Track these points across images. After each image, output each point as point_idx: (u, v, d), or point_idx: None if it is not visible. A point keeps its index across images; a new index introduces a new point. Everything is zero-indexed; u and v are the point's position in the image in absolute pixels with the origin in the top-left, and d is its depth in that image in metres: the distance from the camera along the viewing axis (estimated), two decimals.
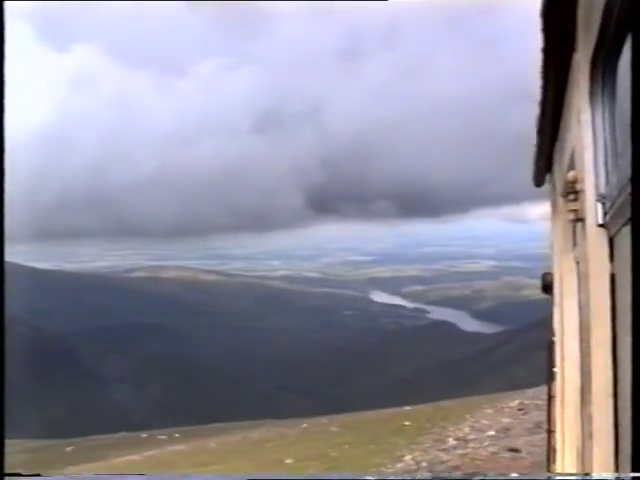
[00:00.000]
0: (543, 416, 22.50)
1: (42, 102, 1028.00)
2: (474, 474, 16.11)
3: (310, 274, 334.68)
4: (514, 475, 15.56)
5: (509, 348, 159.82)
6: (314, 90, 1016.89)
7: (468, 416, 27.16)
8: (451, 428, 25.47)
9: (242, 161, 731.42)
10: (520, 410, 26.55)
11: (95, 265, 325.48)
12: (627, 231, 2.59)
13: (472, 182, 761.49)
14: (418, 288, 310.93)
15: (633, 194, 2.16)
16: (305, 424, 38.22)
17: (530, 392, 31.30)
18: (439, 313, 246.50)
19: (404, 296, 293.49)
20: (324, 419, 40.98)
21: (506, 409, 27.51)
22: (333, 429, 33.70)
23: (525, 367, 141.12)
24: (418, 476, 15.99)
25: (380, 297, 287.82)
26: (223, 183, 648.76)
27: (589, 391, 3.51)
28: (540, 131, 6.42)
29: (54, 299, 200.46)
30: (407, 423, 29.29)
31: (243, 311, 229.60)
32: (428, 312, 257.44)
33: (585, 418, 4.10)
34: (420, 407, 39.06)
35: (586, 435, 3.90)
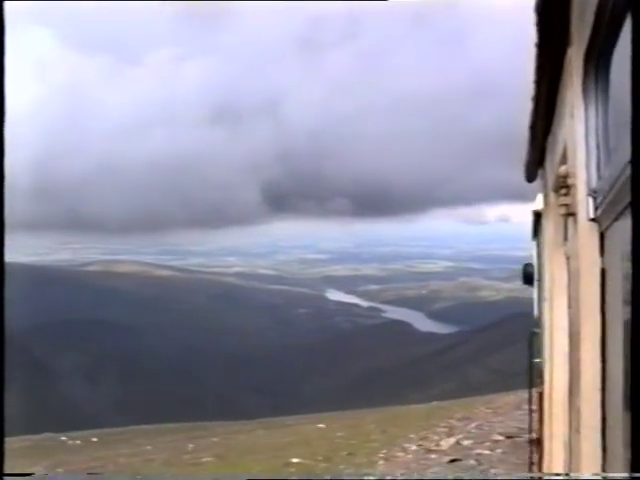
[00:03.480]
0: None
1: None
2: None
3: (265, 271, 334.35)
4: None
5: (464, 349, 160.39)
6: (272, 83, 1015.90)
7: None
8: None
9: (197, 154, 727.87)
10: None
11: (49, 258, 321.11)
12: (618, 226, 2.65)
13: (430, 181, 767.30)
14: (374, 287, 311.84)
15: (633, 193, 2.09)
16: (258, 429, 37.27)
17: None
18: (394, 313, 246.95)
19: (360, 295, 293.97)
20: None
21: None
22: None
23: (480, 368, 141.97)
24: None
25: (335, 296, 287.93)
26: (177, 176, 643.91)
27: (577, 385, 3.54)
28: (533, 126, 6.35)
29: (8, 293, 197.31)
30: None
31: (198, 307, 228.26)
32: (383, 311, 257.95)
33: (573, 412, 4.16)
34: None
35: (574, 429, 3.96)
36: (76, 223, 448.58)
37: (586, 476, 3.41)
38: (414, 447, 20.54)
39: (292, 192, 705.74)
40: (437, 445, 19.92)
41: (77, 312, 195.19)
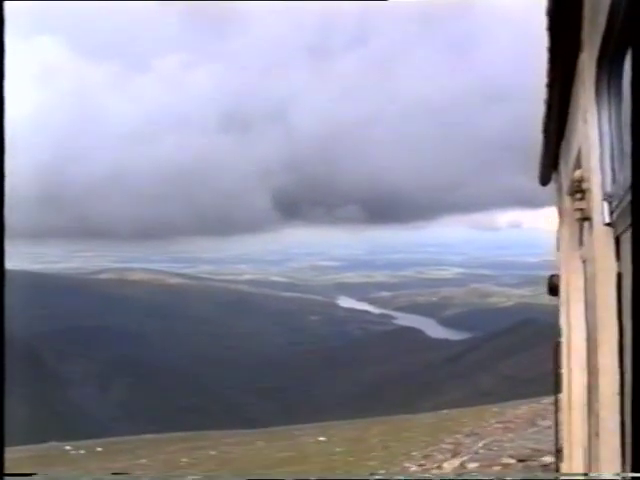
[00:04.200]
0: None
1: None
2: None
3: (277, 278, 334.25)
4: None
5: (475, 355, 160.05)
6: (281, 89, 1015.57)
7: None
8: None
9: (207, 161, 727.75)
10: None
11: (60, 266, 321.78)
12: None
13: (441, 187, 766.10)
14: (385, 294, 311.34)
15: (633, 198, 2.21)
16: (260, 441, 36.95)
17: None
18: (406, 319, 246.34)
19: (371, 302, 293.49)
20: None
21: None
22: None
23: (491, 374, 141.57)
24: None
25: (347, 302, 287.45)
26: (187, 183, 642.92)
27: (596, 390, 3.55)
28: (546, 130, 6.44)
29: (18, 300, 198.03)
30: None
31: (210, 315, 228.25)
32: (395, 318, 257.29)
33: (592, 417, 4.16)
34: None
35: (593, 434, 3.95)
36: (86, 231, 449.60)
37: (605, 476, 3.41)
38: (414, 467, 19.76)
39: (302, 199, 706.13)
40: (439, 467, 18.86)
41: (88, 320, 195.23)
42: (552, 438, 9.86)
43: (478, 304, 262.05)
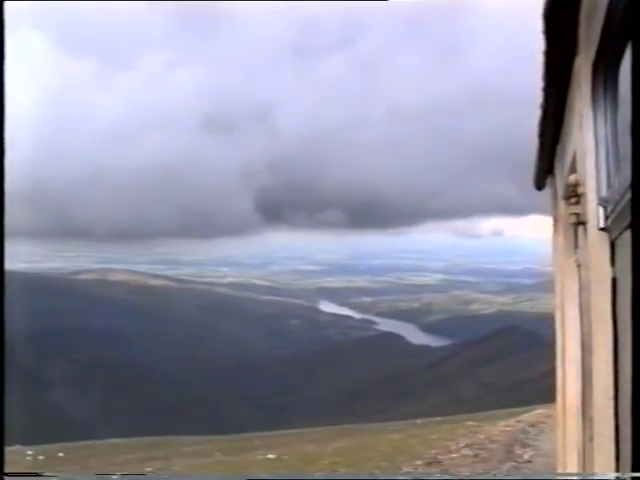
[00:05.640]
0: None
1: None
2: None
3: (259, 282, 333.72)
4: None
5: (456, 362, 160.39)
6: (265, 90, 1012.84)
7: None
8: None
9: (189, 161, 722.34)
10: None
11: (41, 266, 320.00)
12: (629, 235, 2.64)
13: (423, 193, 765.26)
14: (367, 299, 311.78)
15: (633, 200, 2.22)
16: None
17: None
18: (387, 325, 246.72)
19: (352, 307, 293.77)
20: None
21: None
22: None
23: (471, 382, 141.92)
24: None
25: (328, 307, 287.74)
26: (170, 184, 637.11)
27: (590, 394, 3.61)
28: (542, 134, 6.47)
29: (6, 297, 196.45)
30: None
31: (191, 317, 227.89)
32: (376, 324, 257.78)
33: (586, 421, 4.27)
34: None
35: (587, 438, 4.03)
36: (67, 231, 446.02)
37: (605, 476, 3.37)
38: None
39: (285, 202, 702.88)
40: None
41: (68, 320, 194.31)
42: None
43: (459, 311, 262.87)
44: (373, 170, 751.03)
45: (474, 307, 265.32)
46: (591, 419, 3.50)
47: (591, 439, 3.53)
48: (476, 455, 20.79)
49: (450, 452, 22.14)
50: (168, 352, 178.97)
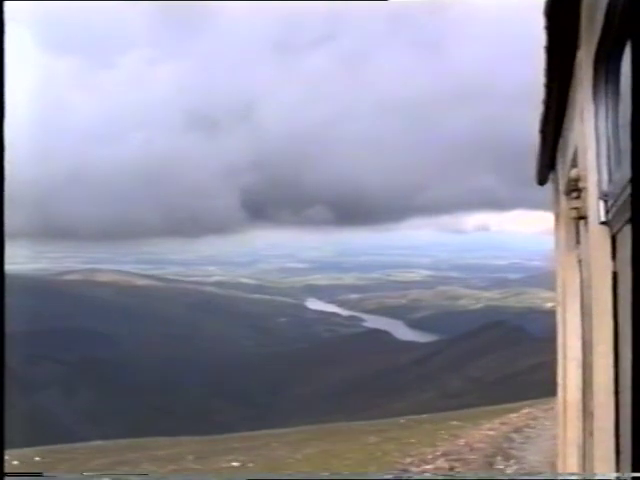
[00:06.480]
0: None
1: None
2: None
3: (245, 280, 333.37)
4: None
5: (443, 358, 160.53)
6: (249, 86, 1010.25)
7: None
8: None
9: (172, 159, 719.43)
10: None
11: (26, 267, 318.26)
12: (629, 229, 2.66)
13: (409, 189, 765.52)
14: (354, 296, 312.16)
15: (633, 194, 2.24)
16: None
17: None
18: (374, 322, 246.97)
19: (339, 304, 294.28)
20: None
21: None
22: None
23: (458, 377, 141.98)
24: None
25: (315, 305, 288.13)
26: (153, 183, 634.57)
27: (590, 389, 3.64)
28: (543, 129, 6.47)
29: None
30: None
31: (178, 316, 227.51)
32: (363, 320, 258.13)
33: (586, 416, 4.26)
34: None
35: (587, 433, 4.07)
36: (52, 231, 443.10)
37: (605, 476, 3.37)
38: None
39: (271, 199, 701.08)
40: None
41: (55, 321, 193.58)
42: None
43: (446, 306, 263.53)
44: (358, 166, 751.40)
45: (461, 303, 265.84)
46: (591, 414, 3.50)
47: (591, 434, 3.53)
48: (452, 468, 18.85)
49: (425, 462, 20.57)
50: (155, 352, 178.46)
